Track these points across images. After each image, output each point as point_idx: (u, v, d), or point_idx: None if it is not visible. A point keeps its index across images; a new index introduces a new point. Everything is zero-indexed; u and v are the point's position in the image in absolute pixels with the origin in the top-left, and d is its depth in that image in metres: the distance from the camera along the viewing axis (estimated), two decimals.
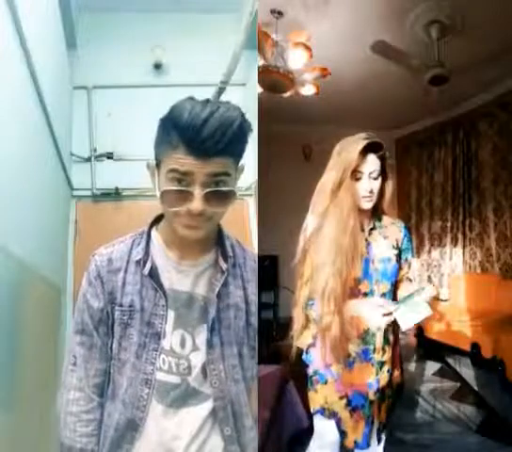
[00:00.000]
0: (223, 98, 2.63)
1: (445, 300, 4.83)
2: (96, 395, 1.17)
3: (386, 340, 1.47)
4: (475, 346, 3.80)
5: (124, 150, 3.73)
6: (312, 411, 1.52)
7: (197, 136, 0.94)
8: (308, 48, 3.21)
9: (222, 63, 2.68)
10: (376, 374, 1.47)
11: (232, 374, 1.14)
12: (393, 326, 1.47)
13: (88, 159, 3.74)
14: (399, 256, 1.50)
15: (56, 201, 3.05)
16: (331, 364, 1.44)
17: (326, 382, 1.47)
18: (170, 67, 3.99)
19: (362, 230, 1.46)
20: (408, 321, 1.35)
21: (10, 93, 1.88)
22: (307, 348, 1.52)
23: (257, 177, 3.26)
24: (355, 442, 1.48)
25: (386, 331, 1.47)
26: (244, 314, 1.17)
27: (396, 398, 1.60)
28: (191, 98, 1.00)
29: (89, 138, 3.76)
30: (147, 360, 1.12)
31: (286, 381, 2.37)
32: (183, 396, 1.13)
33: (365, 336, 1.45)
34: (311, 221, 1.45)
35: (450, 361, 3.99)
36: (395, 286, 1.51)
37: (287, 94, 3.58)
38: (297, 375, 1.75)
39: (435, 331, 4.32)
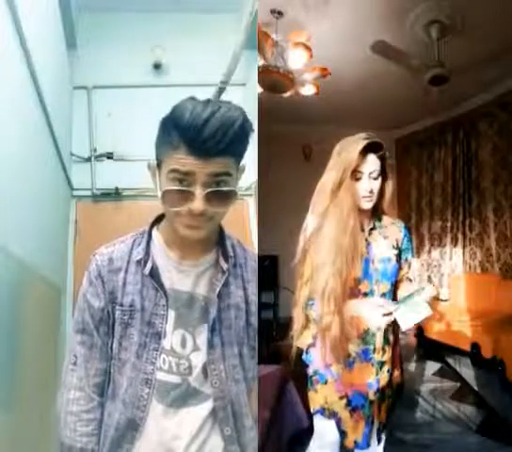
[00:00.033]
0: (223, 98, 2.63)
1: (445, 300, 4.83)
2: (96, 394, 1.17)
3: (386, 340, 1.47)
4: (475, 346, 3.80)
5: (124, 150, 3.73)
6: (311, 411, 1.52)
7: (198, 136, 0.94)
8: (308, 48, 3.21)
9: (222, 63, 2.68)
10: (376, 374, 1.47)
11: (232, 374, 1.14)
12: (393, 326, 1.47)
13: (88, 159, 3.73)
14: (399, 256, 1.51)
15: (56, 201, 3.05)
16: (331, 364, 1.44)
17: (326, 382, 1.47)
18: (170, 67, 3.99)
19: (362, 230, 1.46)
20: (407, 321, 1.35)
21: (10, 93, 1.88)
22: (307, 348, 1.52)
23: (257, 177, 3.26)
24: (355, 442, 1.48)
25: (386, 331, 1.47)
26: (244, 315, 1.17)
27: (396, 398, 1.60)
28: (192, 98, 1.00)
29: (89, 138, 3.76)
30: (147, 359, 1.12)
31: (286, 381, 2.37)
32: (183, 396, 1.13)
33: (365, 336, 1.45)
34: (311, 221, 1.45)
35: (450, 361, 3.99)
36: (395, 286, 1.51)
37: (287, 94, 3.58)
38: (297, 375, 1.75)
39: (435, 331, 4.32)
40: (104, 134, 3.76)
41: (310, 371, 1.52)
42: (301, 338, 1.50)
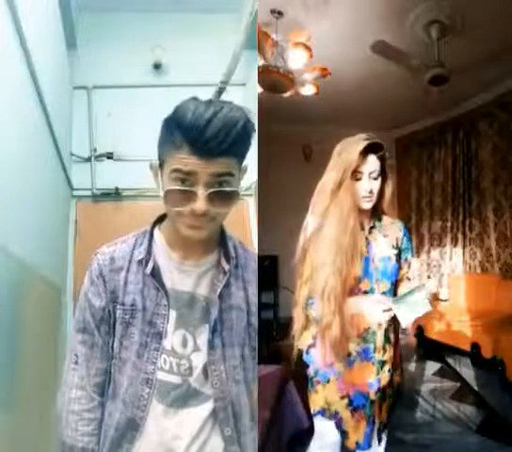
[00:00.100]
0: (223, 98, 2.63)
1: (445, 300, 4.83)
2: (97, 394, 1.17)
3: (387, 339, 1.48)
4: (475, 346, 3.80)
5: (124, 150, 3.73)
6: (312, 412, 1.52)
7: (200, 136, 0.94)
8: (308, 48, 3.21)
9: (222, 63, 2.69)
10: (377, 373, 1.47)
11: (232, 375, 1.14)
12: (394, 325, 1.48)
13: (88, 159, 3.74)
14: (399, 256, 1.51)
15: (56, 201, 3.05)
16: (333, 364, 1.44)
17: (328, 381, 1.47)
18: (170, 67, 3.99)
19: (362, 229, 1.47)
20: (408, 317, 1.35)
21: (10, 93, 1.88)
22: (307, 349, 1.52)
23: (257, 177, 3.26)
24: (356, 442, 1.47)
25: (386, 330, 1.47)
26: (245, 315, 1.17)
27: (396, 398, 1.60)
28: (195, 98, 1.00)
29: (89, 138, 3.77)
30: (148, 359, 1.12)
31: (286, 381, 2.37)
32: (183, 397, 1.13)
33: (366, 335, 1.45)
34: (311, 221, 1.45)
35: (450, 361, 3.99)
36: (395, 286, 1.51)
37: (287, 94, 3.58)
38: (298, 375, 1.75)
39: (435, 331, 4.32)
40: (104, 134, 3.76)
41: (310, 372, 1.52)
42: (301, 339, 1.50)
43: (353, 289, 1.41)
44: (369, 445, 1.49)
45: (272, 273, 5.11)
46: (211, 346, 1.13)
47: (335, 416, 1.47)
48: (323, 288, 1.35)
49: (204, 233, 1.06)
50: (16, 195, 1.91)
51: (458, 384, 3.45)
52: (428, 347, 4.37)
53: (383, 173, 1.42)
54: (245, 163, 1.07)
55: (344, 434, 1.48)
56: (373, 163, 1.39)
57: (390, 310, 1.34)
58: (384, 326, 1.45)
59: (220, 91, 2.78)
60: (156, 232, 1.18)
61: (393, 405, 1.59)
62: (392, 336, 1.50)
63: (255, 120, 1.02)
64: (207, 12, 3.83)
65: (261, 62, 3.27)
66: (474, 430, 2.64)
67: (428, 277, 5.55)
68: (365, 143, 1.36)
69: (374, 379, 1.46)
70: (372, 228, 1.49)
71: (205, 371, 1.13)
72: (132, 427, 1.12)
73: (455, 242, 5.32)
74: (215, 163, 0.97)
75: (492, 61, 3.72)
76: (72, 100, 3.77)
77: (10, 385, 1.74)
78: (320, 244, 1.39)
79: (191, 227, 1.04)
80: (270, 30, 3.27)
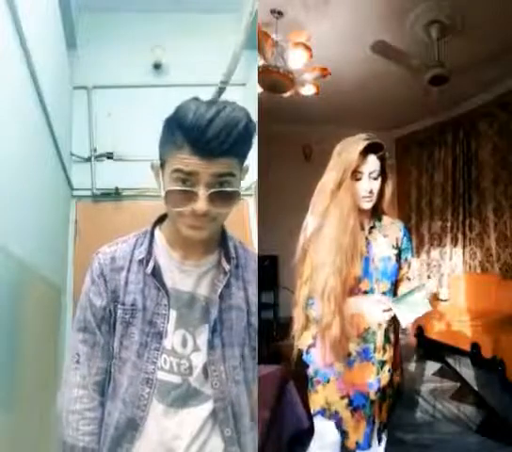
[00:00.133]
0: (223, 98, 2.63)
1: (445, 300, 4.83)
2: (97, 393, 1.17)
3: (387, 339, 1.47)
4: (475, 346, 3.80)
5: (124, 150, 3.73)
6: (312, 412, 1.52)
7: (202, 136, 0.94)
8: (308, 48, 3.21)
9: (222, 63, 2.68)
10: (377, 373, 1.47)
11: (232, 375, 1.14)
12: (394, 324, 1.48)
13: (88, 159, 3.74)
14: (399, 256, 1.51)
15: (56, 201, 3.05)
16: (333, 363, 1.44)
17: (328, 381, 1.47)
18: (170, 67, 3.99)
19: (362, 229, 1.47)
20: (408, 317, 1.35)
21: (10, 93, 1.88)
22: (307, 349, 1.52)
23: (257, 177, 3.26)
24: (356, 443, 1.47)
25: (386, 330, 1.47)
26: (245, 316, 1.17)
27: (396, 398, 1.60)
28: (196, 98, 1.00)
29: (89, 138, 3.77)
30: (148, 359, 1.12)
31: (286, 381, 2.37)
32: (183, 397, 1.13)
33: (366, 335, 1.45)
34: (311, 221, 1.45)
35: (450, 361, 3.99)
36: (395, 286, 1.51)
37: (287, 94, 3.58)
38: (298, 375, 1.75)
39: (435, 331, 4.32)
40: (104, 134, 3.76)
41: (310, 372, 1.52)
42: (301, 339, 1.50)
43: (353, 289, 1.42)
44: (369, 445, 1.49)
45: (272, 273, 5.11)
46: (211, 346, 1.13)
47: (335, 416, 1.47)
48: (323, 288, 1.35)
49: (205, 233, 1.06)
50: (16, 195, 1.91)
51: (458, 384, 3.45)
52: (428, 347, 4.37)
53: (383, 173, 1.42)
54: (246, 163, 1.07)
55: (343, 434, 1.48)
56: (373, 163, 1.39)
57: (390, 310, 1.34)
58: (384, 326, 1.45)
59: (220, 91, 2.77)
60: (157, 232, 1.18)
61: (393, 405, 1.59)
62: (392, 336, 1.50)
63: (254, 119, 1.02)
64: (207, 12, 3.83)
65: (261, 62, 3.27)
66: (474, 430, 2.64)
67: (428, 277, 5.55)
68: (365, 143, 1.36)
69: (374, 379, 1.46)
70: (372, 228, 1.49)
71: (205, 371, 1.13)
72: (132, 427, 1.12)
73: (455, 242, 5.32)
74: (216, 163, 0.97)
75: (492, 61, 3.73)
76: (72, 100, 3.77)
77: (10, 385, 1.74)
78: (320, 244, 1.40)
79: (192, 227, 1.04)
80: (270, 30, 3.27)
